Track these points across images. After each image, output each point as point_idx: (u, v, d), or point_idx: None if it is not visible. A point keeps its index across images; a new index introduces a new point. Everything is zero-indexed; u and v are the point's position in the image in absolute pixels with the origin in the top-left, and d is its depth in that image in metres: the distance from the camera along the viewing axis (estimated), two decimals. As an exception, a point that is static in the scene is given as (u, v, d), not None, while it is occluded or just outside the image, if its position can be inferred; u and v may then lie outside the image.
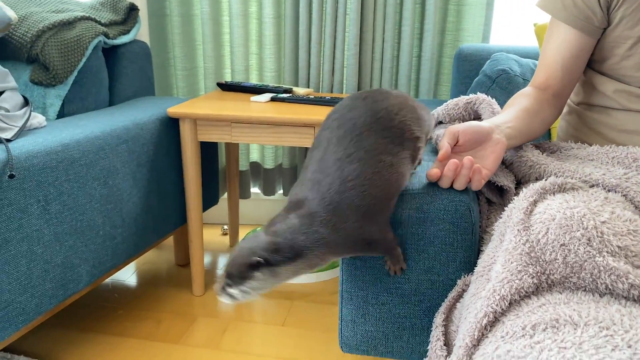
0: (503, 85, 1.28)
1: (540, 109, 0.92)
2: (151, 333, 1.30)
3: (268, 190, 1.90)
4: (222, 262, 1.68)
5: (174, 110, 1.33)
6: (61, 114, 1.28)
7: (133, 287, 1.52)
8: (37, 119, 1.11)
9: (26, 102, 1.14)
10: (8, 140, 0.97)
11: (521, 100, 0.93)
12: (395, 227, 0.82)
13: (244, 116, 1.29)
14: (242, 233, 1.91)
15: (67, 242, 1.05)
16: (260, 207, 1.99)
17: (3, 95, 1.08)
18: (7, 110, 1.06)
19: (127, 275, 1.58)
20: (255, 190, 1.96)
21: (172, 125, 1.39)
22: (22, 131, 1.04)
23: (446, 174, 0.79)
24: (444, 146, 0.80)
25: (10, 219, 0.92)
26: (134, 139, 1.24)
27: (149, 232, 1.34)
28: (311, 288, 1.53)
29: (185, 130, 1.34)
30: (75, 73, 1.28)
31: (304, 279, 1.55)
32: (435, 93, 1.74)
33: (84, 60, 1.30)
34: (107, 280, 1.55)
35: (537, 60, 1.06)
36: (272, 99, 1.46)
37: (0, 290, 0.92)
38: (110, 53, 1.45)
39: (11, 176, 0.89)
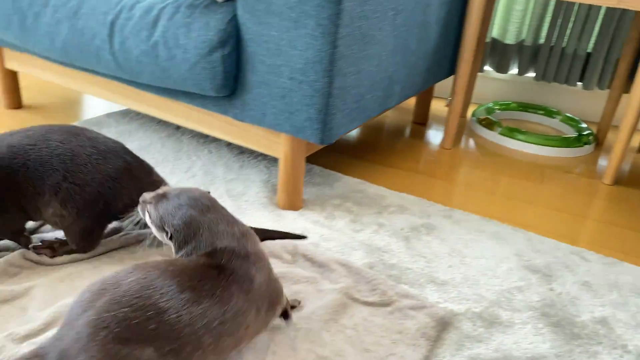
0: None
1: None
2: (413, 167, 1.40)
3: (501, 67, 1.88)
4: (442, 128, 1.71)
5: (474, -47, 1.32)
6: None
7: (386, 136, 1.62)
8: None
9: None
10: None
11: None
12: None
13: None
14: (470, 109, 1.92)
15: (396, 57, 1.13)
16: (489, 85, 1.98)
17: None
18: None
19: (375, 127, 1.68)
20: (487, 68, 1.94)
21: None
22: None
23: None
24: None
25: (379, 19, 1.00)
26: (444, -26, 1.26)
27: (432, 72, 1.39)
28: (560, 161, 1.53)
29: (480, -23, 1.33)
30: None
31: (554, 152, 1.55)
32: None
33: None
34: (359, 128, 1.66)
35: None
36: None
37: (359, 84, 1.02)
38: None
39: (392, -25, 0.95)
